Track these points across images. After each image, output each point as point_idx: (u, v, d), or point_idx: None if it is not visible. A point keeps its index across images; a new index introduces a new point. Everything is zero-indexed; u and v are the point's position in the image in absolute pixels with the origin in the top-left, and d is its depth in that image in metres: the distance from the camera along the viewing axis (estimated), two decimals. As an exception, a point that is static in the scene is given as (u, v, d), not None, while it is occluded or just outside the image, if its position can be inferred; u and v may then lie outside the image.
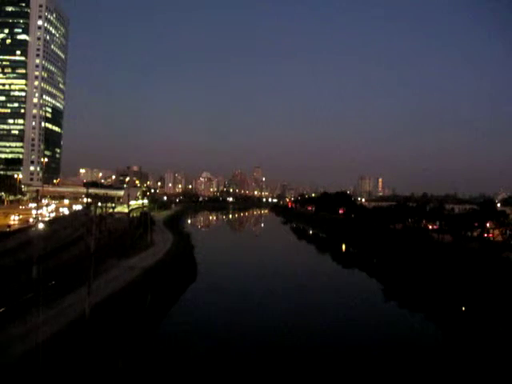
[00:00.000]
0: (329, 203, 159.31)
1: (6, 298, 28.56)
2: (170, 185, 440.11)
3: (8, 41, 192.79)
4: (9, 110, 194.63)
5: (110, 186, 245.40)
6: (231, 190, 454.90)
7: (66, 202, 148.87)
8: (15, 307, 27.34)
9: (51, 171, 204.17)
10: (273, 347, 30.59)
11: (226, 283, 51.94)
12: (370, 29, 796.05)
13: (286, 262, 72.57)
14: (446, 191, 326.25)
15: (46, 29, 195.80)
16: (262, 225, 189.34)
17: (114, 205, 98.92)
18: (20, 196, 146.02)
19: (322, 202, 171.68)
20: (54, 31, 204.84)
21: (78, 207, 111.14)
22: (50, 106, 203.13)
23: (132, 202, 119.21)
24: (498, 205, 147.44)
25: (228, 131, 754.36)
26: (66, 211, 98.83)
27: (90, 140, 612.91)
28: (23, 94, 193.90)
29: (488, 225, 70.71)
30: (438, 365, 28.28)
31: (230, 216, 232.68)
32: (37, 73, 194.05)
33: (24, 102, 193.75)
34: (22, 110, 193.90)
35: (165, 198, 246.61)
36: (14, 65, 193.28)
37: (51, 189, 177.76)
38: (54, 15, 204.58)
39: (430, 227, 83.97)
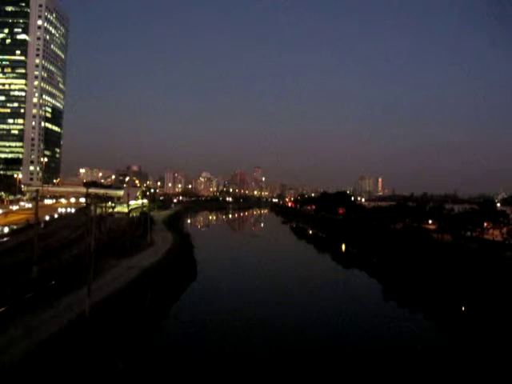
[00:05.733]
0: (329, 203, 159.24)
1: (7, 297, 28.58)
2: (170, 185, 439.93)
3: (8, 41, 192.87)
4: (9, 110, 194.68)
5: (109, 186, 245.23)
6: (231, 190, 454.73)
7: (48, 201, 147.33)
8: (15, 307, 27.34)
9: (51, 171, 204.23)
10: (272, 347, 30.59)
11: (226, 282, 51.95)
12: (369, 28, 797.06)
13: (286, 262, 72.53)
14: (446, 191, 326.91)
15: (45, 29, 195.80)
16: (262, 225, 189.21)
17: (113, 204, 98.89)
18: (20, 196, 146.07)
19: (321, 201, 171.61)
20: (53, 31, 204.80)
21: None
22: (49, 106, 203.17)
23: (132, 202, 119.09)
24: (498, 205, 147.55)
25: (228, 131, 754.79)
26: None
27: (90, 140, 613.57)
28: (23, 93, 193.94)
29: (488, 224, 70.68)
30: (438, 365, 28.29)
31: (230, 216, 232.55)
32: (37, 73, 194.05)
33: (24, 102, 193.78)
34: (22, 110, 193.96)
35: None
36: (14, 65, 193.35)
37: (51, 189, 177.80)
38: (54, 15, 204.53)
39: (430, 227, 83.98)
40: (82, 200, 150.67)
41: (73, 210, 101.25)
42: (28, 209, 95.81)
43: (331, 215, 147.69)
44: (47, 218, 71.30)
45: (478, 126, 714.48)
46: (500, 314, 40.12)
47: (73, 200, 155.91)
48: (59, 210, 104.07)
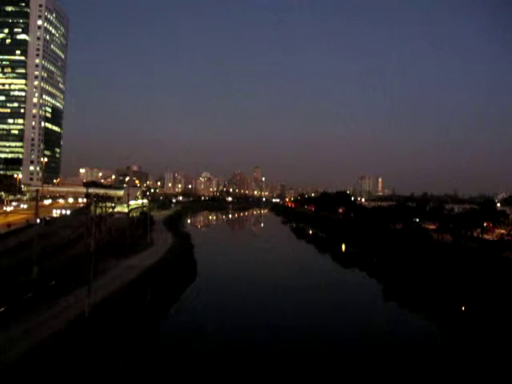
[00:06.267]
0: (329, 203, 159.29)
1: (7, 297, 28.60)
2: (170, 185, 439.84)
3: (8, 41, 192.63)
4: (9, 110, 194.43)
5: (109, 186, 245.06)
6: (231, 190, 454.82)
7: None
8: (16, 306, 27.36)
9: (51, 171, 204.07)
10: (272, 349, 30.58)
11: (226, 283, 51.96)
12: (370, 29, 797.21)
13: (286, 262, 72.53)
14: (446, 191, 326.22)
15: (45, 29, 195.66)
16: (262, 225, 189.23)
17: (113, 204, 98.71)
18: (20, 196, 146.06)
19: (321, 201, 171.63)
20: (53, 31, 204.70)
21: None
22: (49, 106, 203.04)
23: (132, 202, 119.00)
24: (498, 205, 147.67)
25: (228, 131, 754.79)
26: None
27: (90, 140, 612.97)
28: (23, 93, 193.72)
29: (487, 224, 70.73)
30: (438, 365, 28.28)
31: (230, 216, 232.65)
32: (37, 72, 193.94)
33: (24, 102, 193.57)
34: (22, 110, 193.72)
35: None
36: (14, 65, 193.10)
37: (51, 189, 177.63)
38: (54, 15, 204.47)
39: (430, 227, 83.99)
40: (80, 200, 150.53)
41: (68, 212, 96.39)
42: (23, 210, 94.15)
43: (331, 215, 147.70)
44: (38, 220, 67.52)
45: (478, 126, 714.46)
46: (499, 313, 40.13)
47: (71, 200, 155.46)
48: (54, 211, 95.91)
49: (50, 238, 53.73)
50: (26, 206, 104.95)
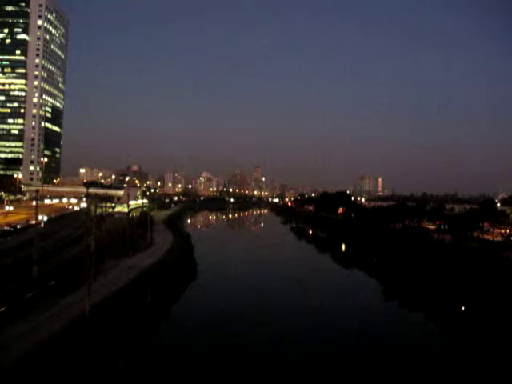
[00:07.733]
0: (329, 203, 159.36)
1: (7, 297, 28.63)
2: (170, 185, 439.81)
3: (8, 40, 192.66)
4: (9, 110, 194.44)
5: (109, 186, 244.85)
6: (231, 190, 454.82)
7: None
8: (16, 306, 27.38)
9: (51, 171, 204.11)
10: (272, 350, 30.59)
11: (226, 283, 51.97)
12: (370, 29, 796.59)
13: (286, 262, 72.52)
14: (446, 191, 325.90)
15: (45, 28, 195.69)
16: (262, 224, 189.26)
17: (113, 204, 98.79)
18: (20, 196, 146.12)
19: (321, 201, 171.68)
20: (53, 31, 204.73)
21: None
22: (49, 106, 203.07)
23: (132, 202, 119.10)
24: (498, 205, 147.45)
25: (228, 131, 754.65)
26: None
27: (90, 140, 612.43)
28: (23, 93, 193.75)
29: (487, 224, 70.81)
30: (438, 365, 28.30)
31: (230, 216, 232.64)
32: (36, 72, 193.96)
33: (24, 102, 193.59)
34: (22, 110, 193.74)
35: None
36: (14, 64, 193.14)
37: (51, 188, 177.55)
38: (54, 15, 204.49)
39: (430, 227, 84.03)
40: (74, 201, 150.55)
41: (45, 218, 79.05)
42: (10, 211, 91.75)
43: (331, 215, 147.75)
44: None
45: (478, 125, 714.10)
46: (499, 312, 40.15)
47: (65, 200, 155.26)
48: (40, 218, 73.88)
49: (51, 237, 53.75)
50: (11, 208, 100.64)
